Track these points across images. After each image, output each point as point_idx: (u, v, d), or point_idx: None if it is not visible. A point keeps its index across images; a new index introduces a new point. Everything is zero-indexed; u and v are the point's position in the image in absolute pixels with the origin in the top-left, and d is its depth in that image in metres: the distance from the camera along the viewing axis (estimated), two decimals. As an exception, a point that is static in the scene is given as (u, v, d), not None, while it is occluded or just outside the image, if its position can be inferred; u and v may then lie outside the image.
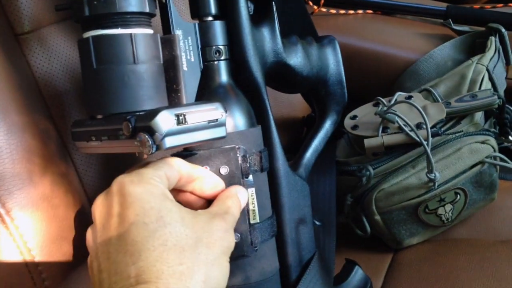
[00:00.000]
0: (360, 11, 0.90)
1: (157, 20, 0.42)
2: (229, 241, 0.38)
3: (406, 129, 0.62)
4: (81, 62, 0.39)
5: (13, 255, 0.40)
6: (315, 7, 0.87)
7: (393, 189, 0.63)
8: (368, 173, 0.63)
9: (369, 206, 0.64)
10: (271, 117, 0.47)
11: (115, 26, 0.37)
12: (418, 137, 0.60)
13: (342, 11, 0.89)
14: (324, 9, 0.88)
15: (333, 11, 0.89)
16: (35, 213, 0.41)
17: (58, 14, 0.47)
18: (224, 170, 0.42)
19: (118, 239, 0.34)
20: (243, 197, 0.42)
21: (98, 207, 0.37)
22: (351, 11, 0.89)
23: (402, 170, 0.63)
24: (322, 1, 0.86)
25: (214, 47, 0.44)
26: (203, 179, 0.40)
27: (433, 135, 0.61)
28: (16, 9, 0.44)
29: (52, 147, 0.45)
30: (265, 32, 0.48)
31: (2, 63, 0.42)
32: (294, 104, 0.77)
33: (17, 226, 0.40)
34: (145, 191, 0.35)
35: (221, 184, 0.41)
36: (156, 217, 0.34)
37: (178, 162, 0.39)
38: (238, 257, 0.43)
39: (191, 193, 0.41)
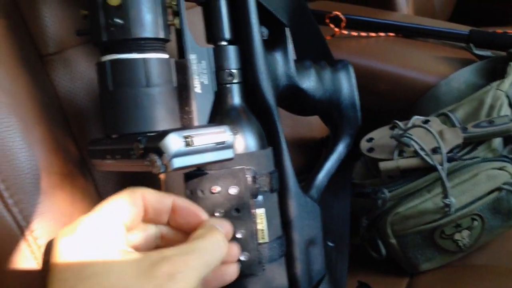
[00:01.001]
0: (382, 34, 0.90)
1: (174, 43, 0.44)
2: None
3: (422, 153, 0.62)
4: (98, 83, 0.41)
5: (30, 266, 0.42)
6: (336, 29, 0.88)
7: (408, 213, 0.63)
8: (383, 196, 0.63)
9: (384, 229, 0.64)
10: (282, 139, 0.48)
11: (130, 51, 0.39)
12: (433, 162, 0.60)
13: (363, 34, 0.90)
14: (345, 31, 0.89)
15: (354, 33, 0.89)
16: (54, 226, 0.43)
17: (80, 37, 0.49)
18: (233, 190, 0.43)
19: None
20: (226, 227, 0.39)
21: None
22: (373, 34, 0.90)
23: (418, 194, 0.63)
24: (344, 24, 0.87)
25: (227, 70, 0.46)
26: (178, 209, 0.38)
27: (449, 160, 0.61)
28: (42, 31, 0.47)
29: (72, 163, 0.47)
30: (278, 56, 0.50)
31: (27, 82, 0.44)
32: (312, 125, 0.78)
33: (35, 237, 0.42)
34: (70, 245, 0.33)
35: (203, 216, 0.39)
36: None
37: (142, 193, 0.36)
38: (246, 276, 0.44)
39: (170, 226, 0.39)
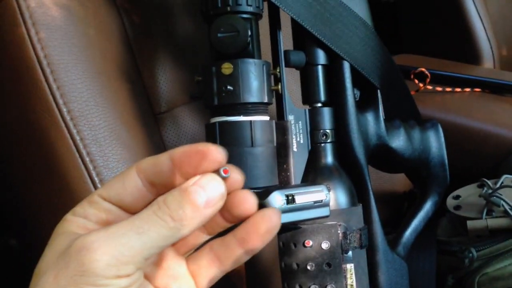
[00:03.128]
0: (467, 89, 0.90)
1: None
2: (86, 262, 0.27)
3: (512, 213, 0.61)
4: (206, 142, 0.45)
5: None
6: (421, 84, 0.89)
7: (497, 274, 0.61)
8: (471, 255, 0.62)
9: (472, 289, 0.63)
10: (372, 196, 0.50)
11: (238, 114, 0.43)
12: (525, 223, 0.59)
13: (448, 89, 0.90)
14: (430, 87, 0.89)
15: (439, 88, 0.90)
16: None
17: (187, 96, 0.55)
18: (325, 245, 0.45)
19: None
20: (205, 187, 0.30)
21: None
22: (458, 89, 0.90)
23: (508, 255, 0.62)
24: (428, 79, 0.88)
25: (321, 131, 0.49)
26: (179, 159, 0.31)
27: (541, 222, 0.60)
28: (156, 93, 0.52)
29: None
30: (369, 117, 0.52)
31: (144, 139, 0.49)
32: (395, 179, 0.78)
33: None
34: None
35: (205, 150, 0.31)
36: None
37: (136, 166, 0.32)
38: (335, 330, 0.45)
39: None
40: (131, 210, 0.32)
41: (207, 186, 0.30)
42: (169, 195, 0.30)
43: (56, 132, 0.44)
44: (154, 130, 0.52)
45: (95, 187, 0.45)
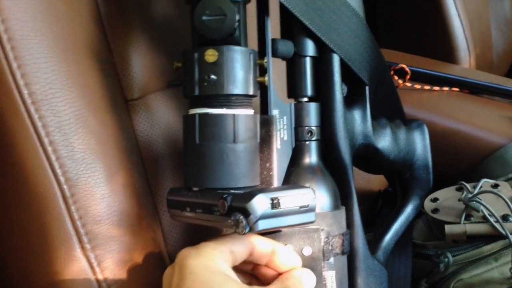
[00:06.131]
0: (445, 88, 0.89)
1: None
2: None
3: (491, 219, 0.59)
4: (184, 135, 0.41)
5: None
6: (400, 81, 0.87)
7: (473, 280, 0.60)
8: (446, 260, 0.61)
9: (446, 295, 0.61)
10: (355, 199, 0.48)
11: (220, 106, 0.39)
12: (504, 230, 0.58)
13: (427, 87, 0.89)
14: (409, 84, 0.88)
15: (417, 86, 0.88)
16: (125, 273, 0.43)
17: (162, 81, 0.50)
18: (307, 251, 0.42)
19: None
20: (308, 281, 0.41)
21: (165, 278, 0.39)
22: (436, 88, 0.89)
23: (484, 262, 0.60)
24: (408, 76, 0.86)
25: (307, 127, 0.46)
26: (279, 255, 0.40)
27: (520, 229, 0.59)
28: (129, 77, 0.48)
29: (145, 209, 0.47)
30: (357, 115, 0.49)
31: (114, 127, 0.45)
32: (372, 178, 0.76)
33: (109, 285, 0.42)
34: (200, 265, 0.36)
35: (297, 262, 0.41)
36: None
37: (252, 238, 0.39)
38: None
39: (267, 266, 0.41)
40: None
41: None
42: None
43: (14, 117, 0.39)
44: (125, 118, 0.47)
45: (57, 180, 0.40)
